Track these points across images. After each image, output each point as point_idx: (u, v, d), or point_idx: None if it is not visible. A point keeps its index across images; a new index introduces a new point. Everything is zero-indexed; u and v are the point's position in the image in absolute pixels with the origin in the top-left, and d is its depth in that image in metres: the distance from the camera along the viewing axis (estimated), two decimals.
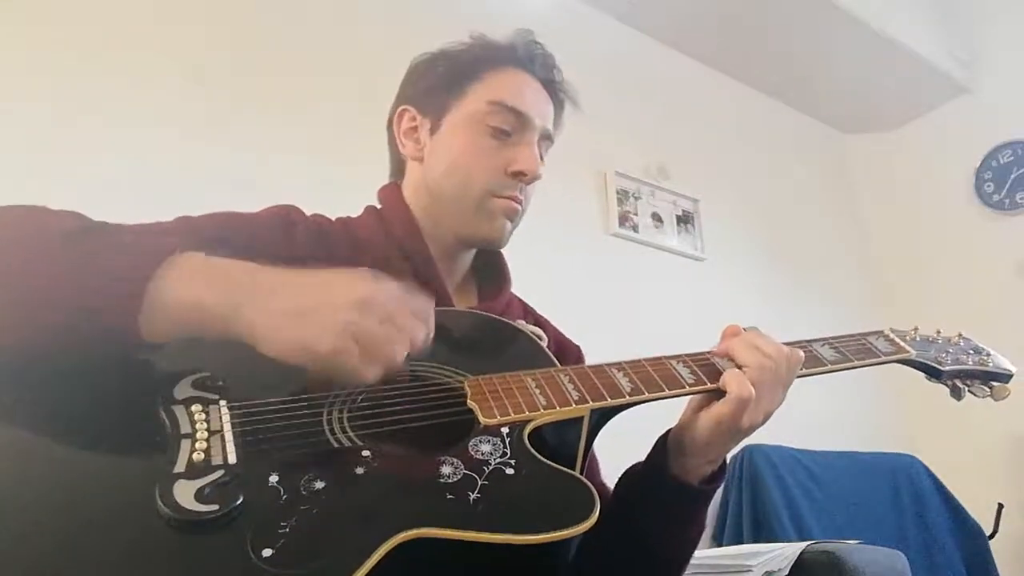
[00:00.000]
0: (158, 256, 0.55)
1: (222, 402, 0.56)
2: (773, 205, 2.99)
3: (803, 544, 1.41)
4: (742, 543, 1.93)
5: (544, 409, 0.62)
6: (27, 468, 0.48)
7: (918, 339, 0.84)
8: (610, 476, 0.83)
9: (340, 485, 0.51)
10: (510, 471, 0.55)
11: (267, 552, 0.44)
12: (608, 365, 0.69)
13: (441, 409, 0.62)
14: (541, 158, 0.88)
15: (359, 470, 0.52)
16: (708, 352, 0.73)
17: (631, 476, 0.78)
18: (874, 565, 1.35)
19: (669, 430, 0.74)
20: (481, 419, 0.60)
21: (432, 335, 0.59)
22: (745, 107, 3.09)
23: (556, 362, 0.72)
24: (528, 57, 0.88)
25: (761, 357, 0.68)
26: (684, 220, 2.65)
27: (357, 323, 0.53)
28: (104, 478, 0.48)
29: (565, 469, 0.57)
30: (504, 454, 0.56)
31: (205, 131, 1.74)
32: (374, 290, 0.55)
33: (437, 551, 0.49)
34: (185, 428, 0.53)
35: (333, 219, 0.88)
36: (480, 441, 0.57)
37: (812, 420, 2.33)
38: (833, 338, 0.79)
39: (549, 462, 0.57)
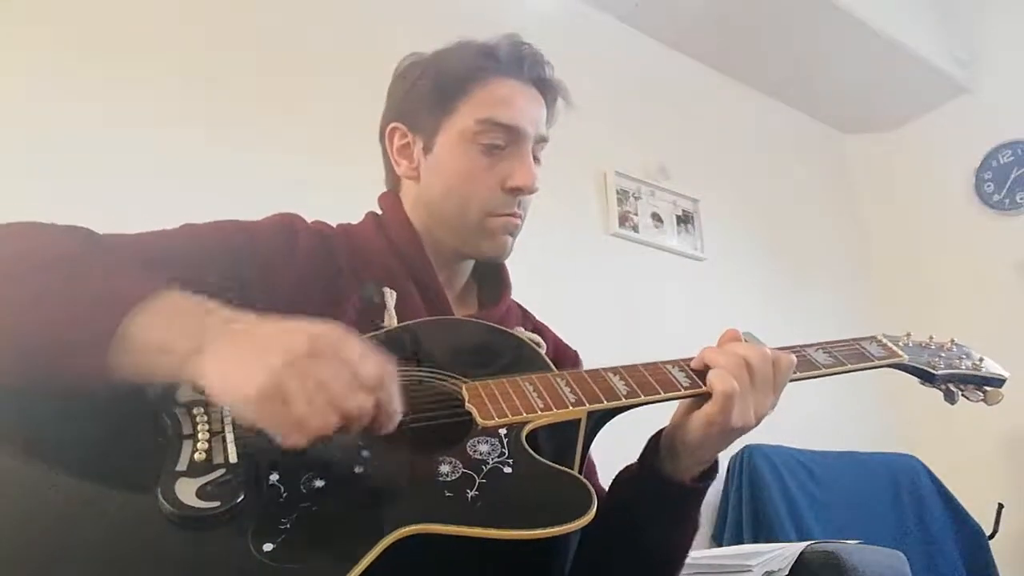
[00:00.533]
0: (129, 301, 0.53)
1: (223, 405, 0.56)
2: (773, 205, 2.99)
3: (803, 544, 1.41)
4: (742, 543, 1.93)
5: (541, 411, 0.62)
6: (30, 466, 0.48)
7: (911, 344, 0.85)
8: (607, 479, 0.83)
9: (340, 483, 0.51)
10: (508, 470, 0.55)
11: (268, 547, 0.45)
12: (604, 369, 0.70)
13: (440, 411, 0.62)
14: (537, 159, 0.88)
15: (358, 469, 0.53)
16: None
17: (624, 477, 0.78)
18: (874, 565, 1.35)
19: (660, 431, 0.75)
20: (479, 420, 0.60)
21: (398, 414, 0.53)
22: (745, 107, 3.09)
23: (554, 368, 0.72)
24: (515, 61, 0.87)
25: (736, 357, 0.68)
26: (684, 220, 2.65)
27: (286, 378, 0.47)
28: (106, 476, 0.49)
29: (562, 467, 0.57)
30: (502, 454, 0.57)
31: (205, 131, 1.74)
32: (320, 346, 0.49)
33: (435, 548, 0.49)
34: (187, 429, 0.53)
35: (334, 225, 0.88)
36: (478, 442, 0.58)
37: (812, 420, 2.33)
38: (827, 343, 0.80)
39: (547, 461, 0.57)
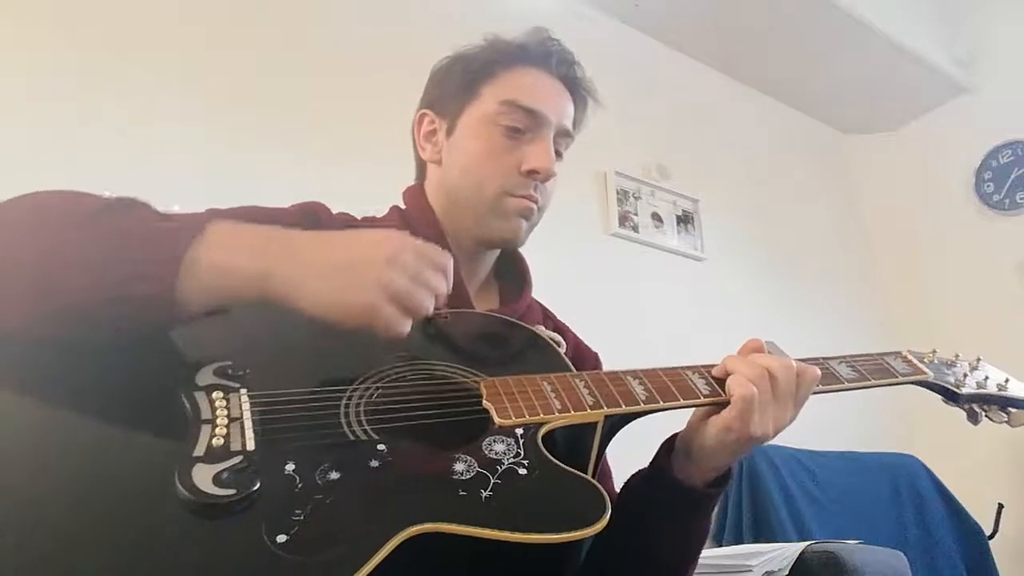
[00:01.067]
0: (191, 227, 0.56)
1: (243, 390, 0.56)
2: (773, 205, 2.99)
3: (803, 544, 1.41)
4: (742, 543, 1.93)
5: (559, 412, 0.62)
6: (48, 448, 0.48)
7: (936, 361, 0.83)
8: (619, 481, 0.82)
9: (355, 477, 0.51)
10: (523, 471, 0.55)
11: (281, 538, 0.45)
12: (624, 373, 0.69)
13: (456, 408, 0.62)
14: (559, 154, 0.88)
15: (374, 463, 0.53)
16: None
17: (635, 480, 0.77)
18: (874, 565, 1.35)
19: (673, 435, 0.74)
20: (496, 419, 0.60)
21: (451, 287, 0.62)
22: (745, 107, 3.09)
23: (573, 368, 0.71)
24: (544, 54, 0.88)
25: (760, 368, 0.67)
26: (684, 220, 2.65)
27: (390, 279, 0.55)
28: (124, 459, 0.49)
29: (577, 472, 0.57)
30: (517, 454, 0.57)
31: (206, 131, 1.74)
32: (401, 247, 0.58)
33: (446, 547, 0.49)
34: (206, 414, 0.53)
35: (359, 218, 0.88)
36: (494, 441, 0.58)
37: (812, 420, 2.32)
38: (850, 356, 0.79)
39: (562, 464, 0.57)
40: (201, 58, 1.82)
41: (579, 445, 0.64)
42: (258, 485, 0.48)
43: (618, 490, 0.80)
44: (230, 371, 0.58)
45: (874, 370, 0.78)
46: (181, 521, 0.45)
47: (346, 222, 0.85)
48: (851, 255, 3.19)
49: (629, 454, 0.84)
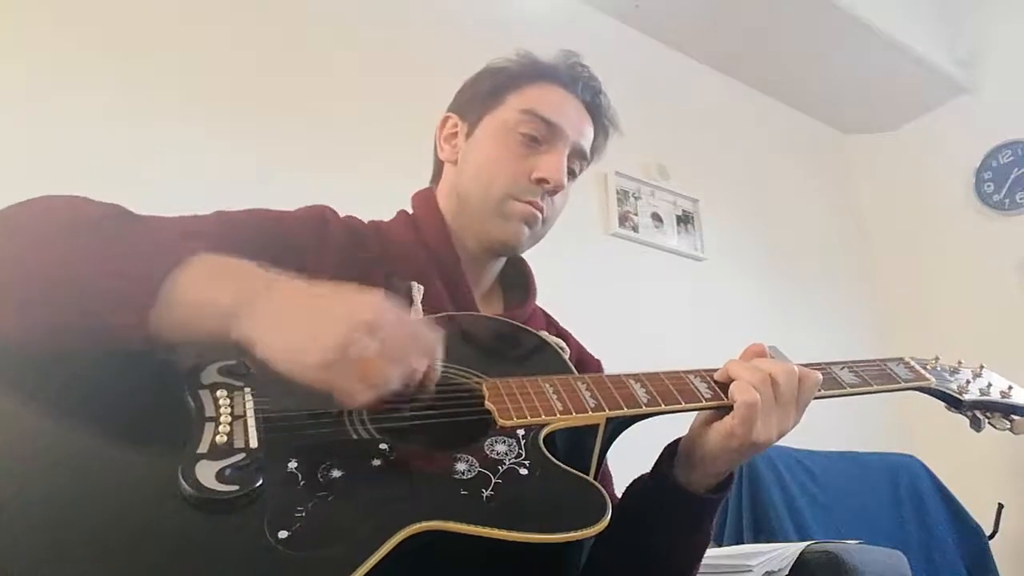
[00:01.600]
0: (174, 257, 0.55)
1: (247, 389, 0.57)
2: (773, 205, 2.99)
3: (803, 544, 1.41)
4: (742, 543, 1.93)
5: (560, 414, 0.62)
6: (52, 444, 0.49)
7: (938, 368, 0.84)
8: (620, 487, 0.82)
9: (357, 475, 0.52)
10: (524, 471, 0.55)
11: (283, 534, 0.45)
12: (626, 376, 0.69)
13: (459, 408, 0.62)
14: (572, 174, 0.90)
15: (376, 462, 0.53)
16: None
17: (637, 486, 0.78)
18: (874, 565, 1.35)
19: (675, 440, 0.74)
20: (498, 420, 0.60)
21: (438, 373, 0.58)
22: (745, 107, 3.09)
23: (576, 372, 0.72)
24: (571, 78, 0.90)
25: (762, 372, 0.67)
26: (684, 220, 2.65)
27: (356, 341, 0.50)
28: (128, 455, 0.50)
29: (578, 473, 0.57)
30: (519, 455, 0.57)
31: (206, 132, 1.74)
32: (382, 313, 0.53)
33: (447, 546, 0.50)
34: (210, 411, 0.54)
35: (366, 221, 0.89)
36: (496, 441, 0.58)
37: (812, 420, 2.32)
38: (852, 362, 0.79)
39: (563, 465, 0.57)
40: (201, 58, 1.82)
41: (581, 448, 0.64)
42: (260, 482, 0.48)
43: (619, 495, 0.80)
44: (235, 369, 0.59)
45: (877, 376, 0.79)
46: (184, 516, 0.46)
47: (352, 224, 0.85)
48: (851, 255, 3.19)
49: (631, 459, 0.84)
